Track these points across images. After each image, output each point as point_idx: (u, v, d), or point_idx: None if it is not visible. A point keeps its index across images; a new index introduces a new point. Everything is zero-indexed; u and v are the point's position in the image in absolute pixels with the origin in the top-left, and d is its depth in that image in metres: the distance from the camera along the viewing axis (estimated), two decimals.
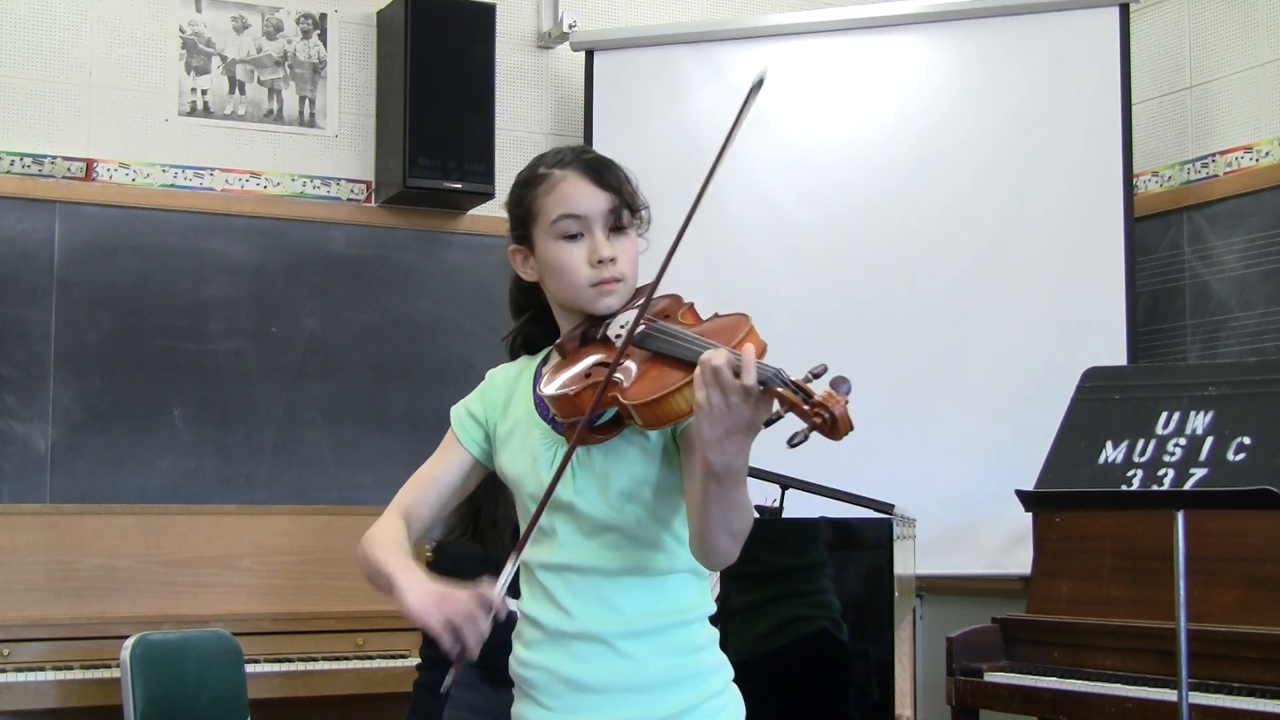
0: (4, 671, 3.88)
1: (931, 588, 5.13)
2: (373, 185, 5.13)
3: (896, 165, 4.99)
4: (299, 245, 5.01)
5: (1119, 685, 3.70)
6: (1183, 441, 3.13)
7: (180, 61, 4.93)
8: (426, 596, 1.77)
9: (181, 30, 4.93)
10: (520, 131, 5.36)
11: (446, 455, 2.03)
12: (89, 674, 3.91)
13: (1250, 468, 2.99)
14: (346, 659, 4.25)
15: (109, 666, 3.89)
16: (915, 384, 4.83)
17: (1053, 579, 4.14)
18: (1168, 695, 3.46)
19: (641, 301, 1.85)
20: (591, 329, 1.90)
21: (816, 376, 1.58)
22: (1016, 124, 4.91)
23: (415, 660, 3.55)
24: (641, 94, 5.21)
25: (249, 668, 3.95)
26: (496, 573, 3.46)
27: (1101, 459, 3.19)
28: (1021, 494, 3.31)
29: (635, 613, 1.83)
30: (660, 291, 1.89)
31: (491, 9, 5.09)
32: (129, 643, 3.68)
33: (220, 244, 4.90)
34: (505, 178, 5.15)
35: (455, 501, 2.04)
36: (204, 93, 4.95)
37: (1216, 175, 4.80)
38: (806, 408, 1.55)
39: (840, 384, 1.56)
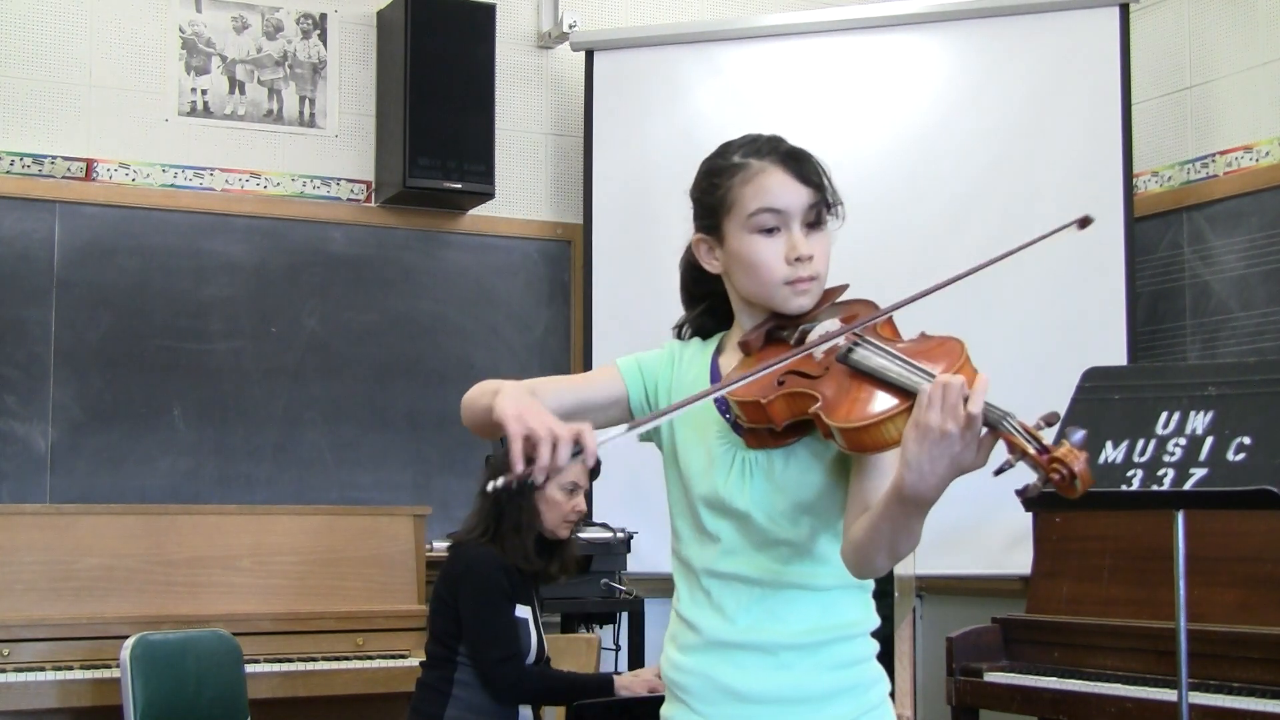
0: (4, 671, 3.88)
1: (931, 588, 5.13)
2: (373, 185, 5.13)
3: (896, 165, 4.99)
4: (299, 245, 5.01)
5: (1119, 685, 3.70)
6: (1183, 441, 3.13)
7: (180, 61, 4.93)
8: (523, 400, 1.67)
9: (181, 30, 4.93)
10: (520, 131, 5.36)
11: (598, 378, 1.92)
12: (89, 674, 3.91)
13: (1250, 468, 2.99)
14: (346, 659, 4.25)
15: (109, 666, 3.89)
16: None
17: (1053, 579, 4.14)
18: (1168, 695, 3.46)
19: (829, 306, 1.77)
20: (777, 328, 1.81)
21: (1049, 424, 1.50)
22: (1017, 124, 4.91)
23: (415, 660, 3.55)
24: (641, 94, 5.21)
25: (249, 668, 3.95)
26: (511, 579, 3.43)
27: (1101, 459, 3.19)
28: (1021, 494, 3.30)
29: (801, 627, 1.79)
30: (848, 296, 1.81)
31: (491, 9, 5.09)
32: (129, 643, 3.68)
33: (220, 244, 4.90)
34: (505, 178, 5.21)
35: (581, 416, 1.79)
36: (204, 93, 4.95)
37: (1216, 175, 4.80)
38: (1044, 459, 1.47)
39: (1073, 434, 1.48)
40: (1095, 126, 4.81)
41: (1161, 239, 4.92)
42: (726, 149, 1.86)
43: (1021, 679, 3.92)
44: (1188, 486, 3.03)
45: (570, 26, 5.29)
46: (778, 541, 1.78)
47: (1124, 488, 3.13)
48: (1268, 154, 4.66)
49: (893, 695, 3.82)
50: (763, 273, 1.80)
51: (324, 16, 5.14)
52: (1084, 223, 1.75)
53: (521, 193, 5.35)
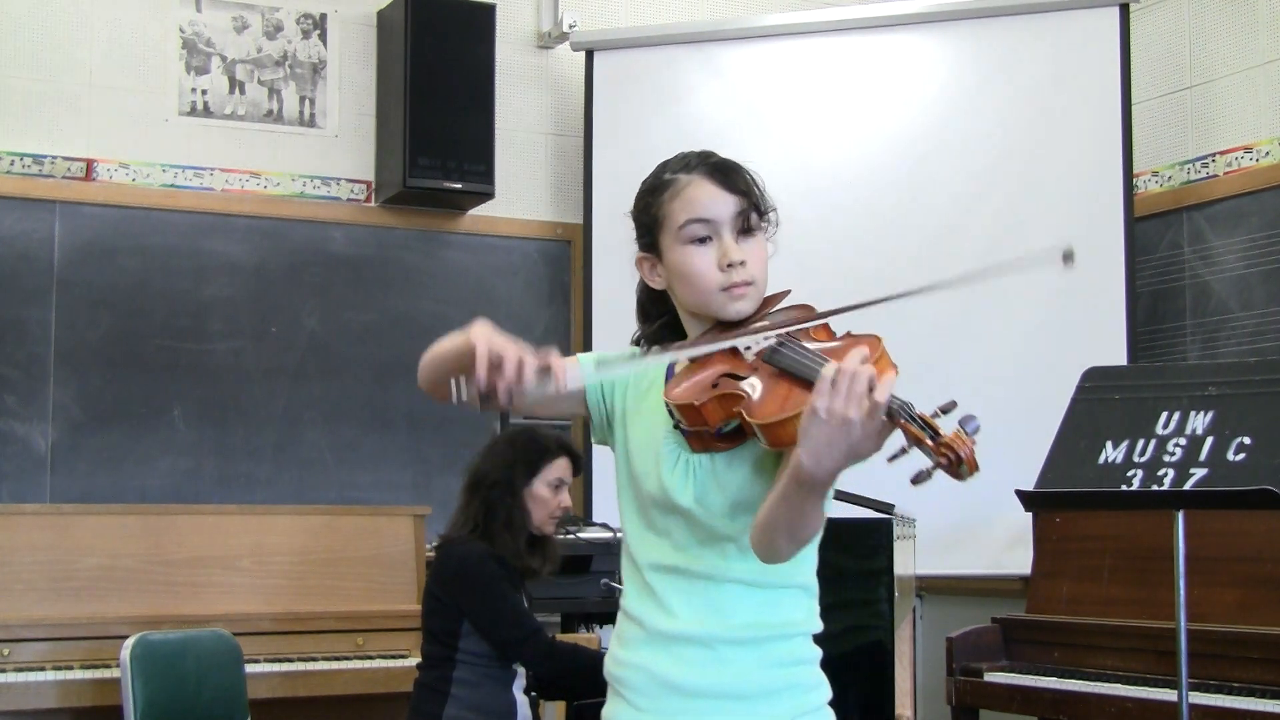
0: (4, 671, 3.88)
1: (931, 588, 5.13)
2: (373, 185, 5.13)
3: (896, 165, 4.99)
4: (299, 245, 5.01)
5: (1119, 685, 3.70)
6: (1183, 441, 3.13)
7: (180, 61, 4.93)
8: (492, 329, 1.70)
9: (181, 30, 4.93)
10: (520, 131, 5.36)
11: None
12: (89, 674, 3.91)
13: (1250, 468, 2.99)
14: (346, 659, 4.25)
15: (109, 666, 3.89)
16: (915, 384, 4.82)
17: (1053, 579, 4.14)
18: (1168, 695, 3.46)
19: (772, 312, 1.82)
20: (721, 336, 1.85)
21: (945, 412, 1.54)
22: (1017, 124, 4.91)
23: (415, 660, 3.55)
24: (641, 94, 5.22)
25: (249, 668, 3.95)
26: (503, 566, 3.46)
27: (1101, 459, 3.20)
28: (1021, 494, 3.31)
29: (742, 621, 1.81)
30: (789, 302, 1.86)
31: (491, 9, 5.09)
32: (129, 643, 3.68)
33: (220, 244, 4.90)
34: (505, 178, 5.21)
35: (532, 397, 1.85)
36: (204, 93, 4.95)
37: (1216, 175, 4.80)
38: (932, 445, 1.51)
39: (969, 423, 1.52)
40: (1095, 126, 4.81)
41: (1161, 239, 4.92)
42: (660, 169, 1.94)
43: (1021, 679, 3.92)
44: (1188, 486, 3.04)
45: (570, 26, 5.29)
46: (722, 538, 1.81)
47: (1124, 488, 3.13)
48: (1268, 154, 4.66)
49: (893, 695, 3.80)
50: (698, 281, 1.85)
51: (324, 16, 5.14)
52: (1067, 257, 1.84)
53: (521, 193, 5.35)
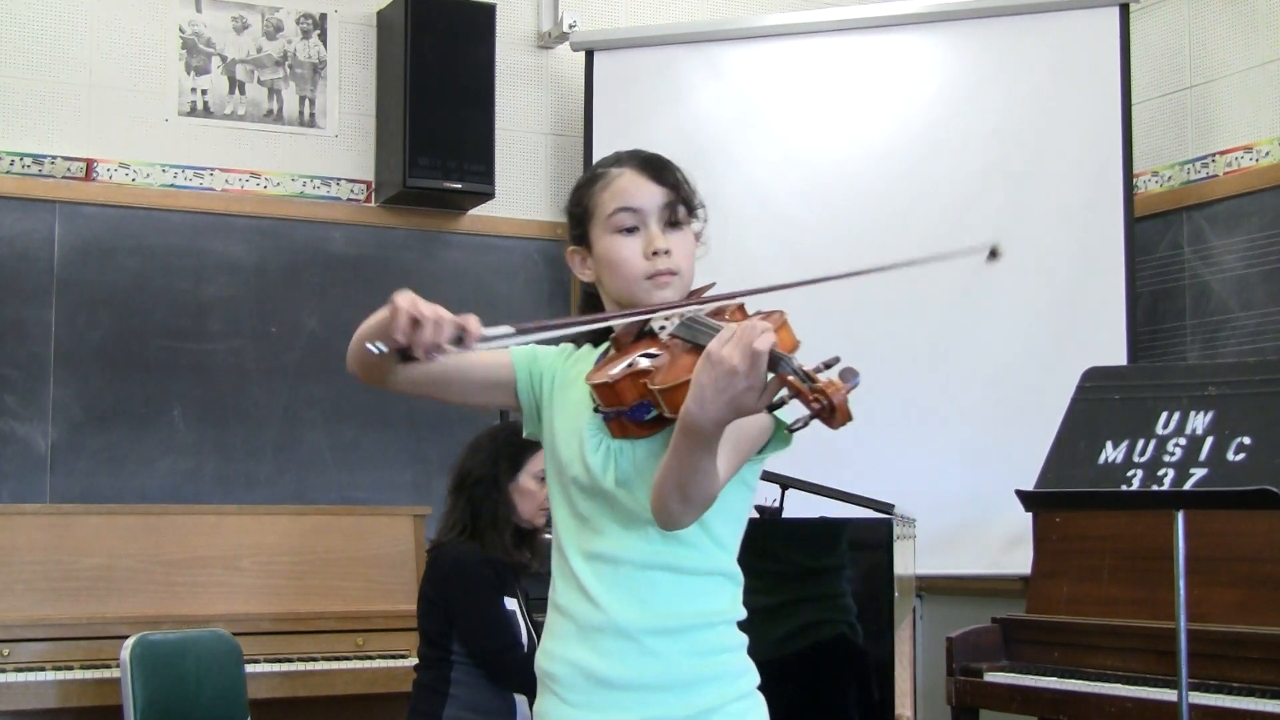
0: (4, 671, 3.88)
1: (931, 588, 5.13)
2: (373, 185, 5.13)
3: (896, 165, 4.99)
4: (299, 245, 5.01)
5: (1119, 685, 3.70)
6: (1183, 441, 3.13)
7: (180, 61, 4.93)
8: (414, 294, 1.73)
9: (181, 30, 4.94)
10: (520, 131, 5.36)
11: (489, 354, 1.99)
12: (89, 674, 3.91)
13: (1250, 468, 2.99)
14: (346, 659, 4.25)
15: (109, 666, 3.89)
16: (915, 384, 4.83)
17: (1053, 579, 4.14)
18: (1168, 695, 3.46)
19: (699, 301, 1.85)
20: (647, 324, 1.89)
21: (828, 367, 1.57)
22: (1016, 124, 4.91)
23: (415, 660, 3.55)
24: (641, 94, 5.21)
25: (249, 668, 3.95)
26: (498, 572, 3.46)
27: (1101, 459, 3.19)
28: (1021, 494, 3.31)
29: (664, 609, 1.83)
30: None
31: (491, 9, 5.09)
32: (129, 643, 3.68)
33: (220, 244, 4.91)
34: (505, 178, 5.21)
35: (460, 382, 1.97)
36: (204, 93, 4.95)
37: (1216, 175, 4.80)
38: (807, 390, 1.55)
39: (849, 375, 1.56)
40: (1095, 126, 4.80)
41: (1161, 239, 4.92)
42: (594, 166, 2.00)
43: (1021, 679, 3.91)
44: (1188, 486, 3.04)
45: (570, 26, 5.29)
46: (644, 521, 1.82)
47: (1124, 488, 3.13)
48: (1268, 154, 4.66)
49: (893, 695, 3.81)
50: (623, 269, 1.90)
51: (324, 16, 5.14)
52: (993, 254, 1.88)
53: (521, 193, 5.35)
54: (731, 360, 1.57)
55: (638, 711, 1.83)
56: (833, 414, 1.54)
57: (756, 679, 1.92)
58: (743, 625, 1.92)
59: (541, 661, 1.92)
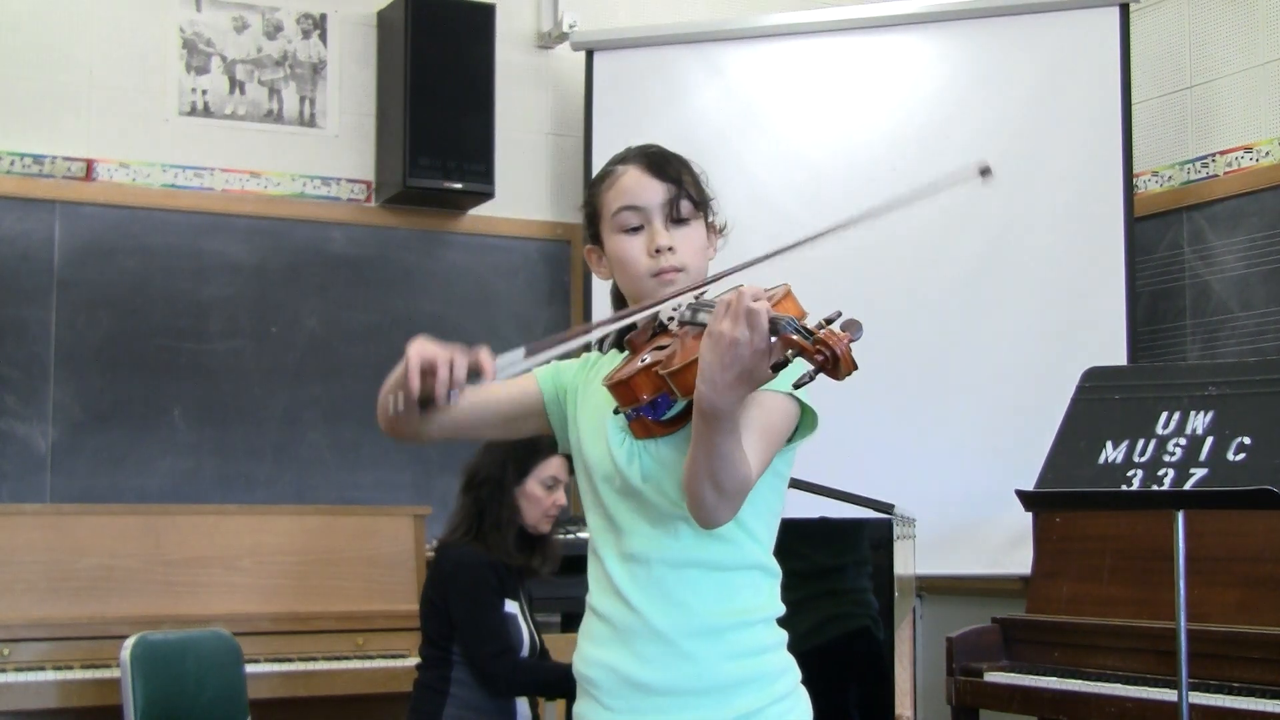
0: (4, 671, 3.88)
1: (931, 588, 5.13)
2: (373, 185, 5.13)
3: (896, 165, 4.99)
4: (299, 245, 5.01)
5: (1119, 685, 3.70)
6: (1183, 441, 3.13)
7: (180, 61, 4.93)
8: (425, 339, 1.77)
9: (181, 30, 4.94)
10: (520, 131, 5.36)
11: (513, 381, 1.99)
12: (89, 674, 3.91)
13: (1250, 468, 2.99)
14: (346, 659, 4.25)
15: (109, 666, 3.89)
16: (915, 384, 4.83)
17: (1053, 579, 4.14)
18: (1168, 695, 3.46)
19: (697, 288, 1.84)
20: (658, 320, 1.87)
21: (829, 322, 1.56)
22: (1016, 124, 4.91)
23: (415, 660, 3.55)
24: (641, 94, 5.21)
25: (249, 668, 3.95)
26: (499, 575, 3.46)
27: (1101, 459, 3.19)
28: (1021, 494, 3.31)
29: (700, 609, 1.81)
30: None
31: (491, 9, 5.10)
32: (129, 643, 3.67)
33: (220, 244, 4.91)
34: (505, 178, 5.20)
35: (491, 419, 1.99)
36: (204, 93, 4.95)
37: (1216, 175, 4.80)
38: (809, 344, 1.53)
39: (851, 326, 1.55)
40: (1095, 126, 4.80)
41: (1161, 239, 4.92)
42: (606, 164, 1.99)
43: (1021, 679, 3.91)
44: (1188, 486, 3.04)
45: (570, 26, 5.30)
46: (675, 518, 1.81)
47: (1124, 488, 3.13)
48: (1268, 154, 4.66)
49: (893, 695, 3.81)
50: (630, 268, 1.90)
51: (324, 16, 5.14)
52: (985, 171, 1.87)
53: (521, 193, 5.35)
54: (731, 331, 1.56)
55: (677, 715, 1.81)
56: (837, 364, 1.52)
57: (797, 675, 1.89)
58: (781, 621, 1.89)
59: (579, 665, 1.90)
